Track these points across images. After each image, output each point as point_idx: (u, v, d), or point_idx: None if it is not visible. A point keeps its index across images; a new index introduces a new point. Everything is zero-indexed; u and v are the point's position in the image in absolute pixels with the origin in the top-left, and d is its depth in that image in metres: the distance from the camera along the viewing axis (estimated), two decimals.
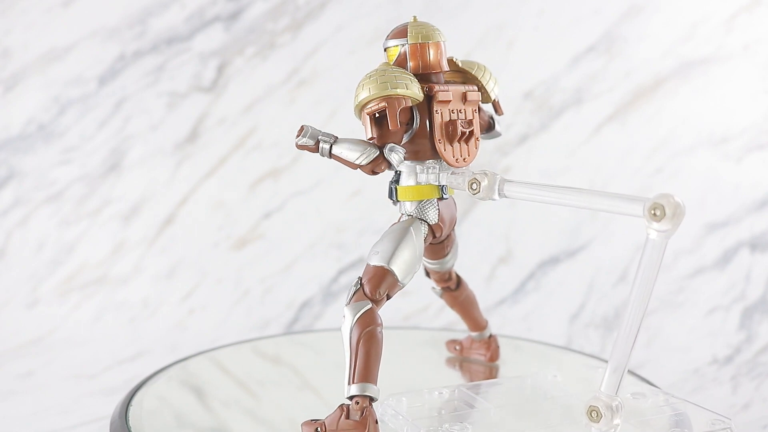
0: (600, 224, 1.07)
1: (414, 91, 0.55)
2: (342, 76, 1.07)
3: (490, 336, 0.72)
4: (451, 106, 0.57)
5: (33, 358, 0.92)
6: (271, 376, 0.73)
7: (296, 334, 0.95)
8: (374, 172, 0.55)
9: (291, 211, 1.09)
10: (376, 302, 0.55)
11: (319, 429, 0.54)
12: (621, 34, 1.09)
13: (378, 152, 0.55)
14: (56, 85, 1.09)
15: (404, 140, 0.56)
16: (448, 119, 0.56)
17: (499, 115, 0.62)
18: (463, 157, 0.57)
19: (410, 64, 0.57)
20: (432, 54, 0.57)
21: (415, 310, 1.02)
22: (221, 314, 1.02)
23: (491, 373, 0.69)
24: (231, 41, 1.10)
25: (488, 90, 0.59)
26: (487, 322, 0.72)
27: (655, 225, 0.48)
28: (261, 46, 1.10)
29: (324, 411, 0.59)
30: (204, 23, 1.10)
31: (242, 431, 0.59)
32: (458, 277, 0.69)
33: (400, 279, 0.56)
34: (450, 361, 0.73)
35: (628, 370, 0.71)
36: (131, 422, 0.58)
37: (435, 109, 0.56)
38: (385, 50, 0.59)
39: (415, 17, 0.59)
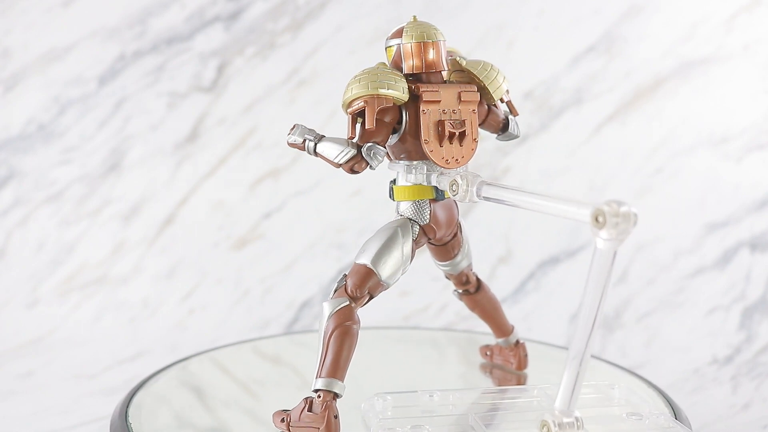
0: None
1: (397, 91, 0.55)
2: (342, 76, 1.06)
3: (518, 342, 0.70)
4: (442, 106, 0.56)
5: (33, 358, 0.92)
6: (271, 376, 0.73)
7: (296, 334, 0.95)
8: (353, 171, 0.55)
9: (291, 211, 1.09)
10: (356, 300, 0.56)
11: (284, 419, 0.55)
12: (621, 34, 1.09)
13: (356, 152, 0.54)
14: (56, 85, 1.09)
15: (394, 140, 0.57)
16: (437, 119, 0.56)
17: (514, 115, 0.61)
18: (455, 157, 0.57)
19: (405, 63, 0.57)
20: (428, 53, 0.57)
21: (415, 310, 1.02)
22: (221, 314, 1.02)
23: (519, 380, 0.68)
24: (231, 41, 1.10)
25: (490, 90, 0.58)
26: (512, 327, 0.70)
27: (598, 232, 0.46)
28: (261, 46, 1.10)
29: None
30: (204, 23, 1.10)
31: (242, 431, 0.59)
32: (478, 280, 0.67)
33: (382, 279, 0.56)
34: (483, 367, 0.71)
35: (628, 371, 0.71)
36: (131, 422, 0.58)
37: (422, 108, 0.56)
38: (386, 50, 0.59)
39: (414, 17, 0.59)
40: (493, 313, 0.69)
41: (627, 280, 1.03)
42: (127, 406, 0.61)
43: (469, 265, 0.65)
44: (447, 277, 0.67)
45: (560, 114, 1.10)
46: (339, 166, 0.55)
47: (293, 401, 0.57)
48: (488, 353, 0.72)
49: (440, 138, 0.56)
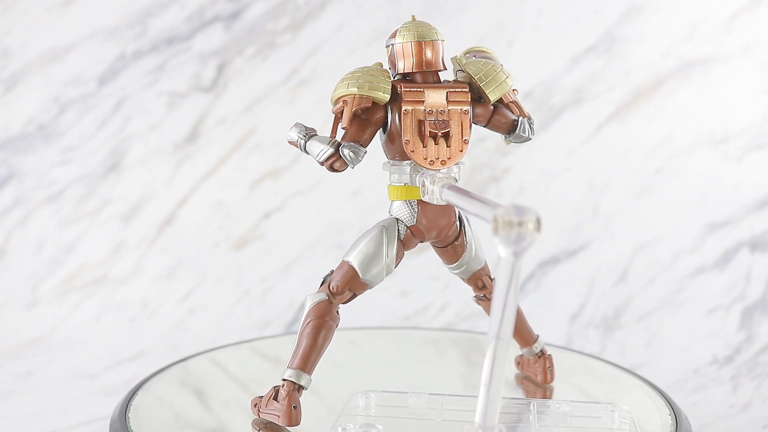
0: (600, 224, 1.07)
1: (378, 91, 0.56)
2: (342, 76, 1.07)
3: (542, 353, 0.67)
4: (427, 107, 0.56)
5: (33, 358, 0.92)
6: (271, 376, 0.72)
7: (296, 334, 0.94)
8: (333, 170, 0.56)
9: (291, 211, 1.09)
10: (335, 295, 0.57)
11: (257, 404, 0.58)
12: (621, 34, 1.09)
13: (333, 150, 0.55)
14: (56, 85, 1.09)
15: (383, 140, 0.57)
16: (420, 119, 0.56)
17: (523, 117, 0.59)
18: (439, 158, 0.56)
19: (399, 63, 0.57)
20: (423, 53, 0.57)
21: (415, 310, 1.02)
22: (221, 314, 1.02)
23: (545, 393, 0.65)
24: (231, 41, 1.10)
25: (485, 90, 0.57)
26: (537, 337, 0.66)
27: (495, 239, 0.43)
28: (261, 46, 1.10)
29: (323, 411, 0.60)
30: (204, 23, 1.10)
31: (242, 431, 0.59)
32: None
33: (361, 276, 0.57)
34: (517, 378, 0.69)
35: (628, 371, 0.71)
36: (131, 422, 0.58)
37: (403, 108, 0.56)
38: (386, 49, 0.59)
39: (413, 17, 0.59)
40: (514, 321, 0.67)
41: (627, 280, 1.03)
42: (127, 406, 0.61)
43: (483, 269, 0.63)
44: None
45: (560, 114, 1.10)
46: (322, 164, 0.56)
47: None
48: (518, 363, 0.69)
49: (422, 138, 0.56)
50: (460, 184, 0.58)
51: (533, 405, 0.59)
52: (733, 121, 1.08)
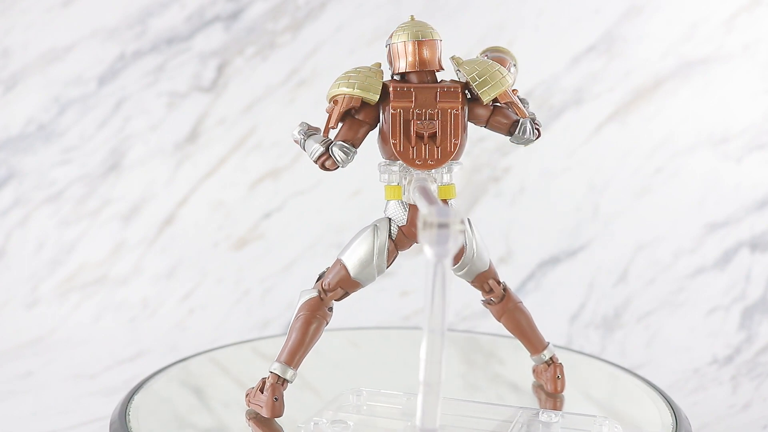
0: (600, 224, 1.07)
1: (367, 91, 0.56)
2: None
3: (552, 362, 0.65)
4: (417, 106, 0.56)
5: (33, 358, 0.92)
6: None
7: None
8: (325, 168, 0.56)
9: (291, 211, 1.09)
10: (327, 292, 0.58)
11: (248, 394, 0.59)
12: (621, 34, 1.09)
13: (323, 150, 0.56)
14: (56, 85, 1.09)
15: (378, 139, 0.58)
16: (408, 119, 0.56)
17: (521, 117, 0.58)
18: (428, 158, 0.56)
19: (395, 62, 0.57)
20: (419, 52, 0.56)
21: (415, 310, 1.02)
22: (221, 314, 1.02)
23: (555, 402, 0.64)
24: (231, 41, 1.10)
25: (477, 90, 0.56)
26: (546, 344, 0.65)
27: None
28: (261, 46, 1.10)
29: (320, 408, 0.60)
30: (204, 23, 1.10)
31: (242, 431, 0.59)
32: (505, 290, 0.64)
33: (352, 275, 0.58)
34: (533, 385, 0.68)
35: (628, 371, 0.71)
36: (131, 422, 0.58)
37: (391, 108, 0.56)
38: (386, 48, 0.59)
39: (412, 17, 0.59)
40: (522, 327, 0.64)
41: (627, 280, 1.03)
42: (127, 406, 0.61)
43: (488, 272, 0.62)
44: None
45: (560, 114, 1.10)
46: (315, 162, 0.56)
47: (293, 401, 0.58)
48: (534, 371, 0.67)
49: (410, 138, 0.56)
50: (458, 185, 0.58)
51: (520, 414, 0.58)
52: (733, 121, 1.08)
